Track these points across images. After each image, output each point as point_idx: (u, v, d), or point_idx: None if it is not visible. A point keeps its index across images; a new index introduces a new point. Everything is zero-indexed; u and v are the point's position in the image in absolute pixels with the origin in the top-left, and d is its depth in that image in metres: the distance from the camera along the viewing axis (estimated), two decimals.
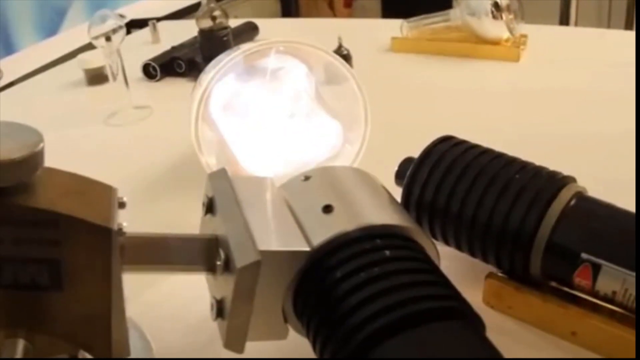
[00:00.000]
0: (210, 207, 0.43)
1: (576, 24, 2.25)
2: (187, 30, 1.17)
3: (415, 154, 0.51)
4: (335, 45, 0.96)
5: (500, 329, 0.38)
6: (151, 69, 1.08)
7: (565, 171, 0.47)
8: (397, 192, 0.49)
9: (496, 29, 1.00)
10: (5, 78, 1.19)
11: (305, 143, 0.67)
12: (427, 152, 0.50)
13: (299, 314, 0.39)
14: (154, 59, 1.09)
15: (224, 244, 0.38)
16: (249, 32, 1.24)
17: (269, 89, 0.66)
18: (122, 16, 0.92)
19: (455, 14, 1.05)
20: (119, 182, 0.40)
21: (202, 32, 1.05)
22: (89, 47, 1.01)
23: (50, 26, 1.65)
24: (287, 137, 0.66)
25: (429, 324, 0.33)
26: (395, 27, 1.12)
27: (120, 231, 0.37)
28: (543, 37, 1.07)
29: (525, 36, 1.04)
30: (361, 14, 2.99)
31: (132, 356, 0.39)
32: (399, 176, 0.51)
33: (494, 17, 0.98)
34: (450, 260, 0.45)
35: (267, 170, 0.62)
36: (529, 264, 0.45)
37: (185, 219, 0.47)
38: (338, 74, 0.66)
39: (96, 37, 0.86)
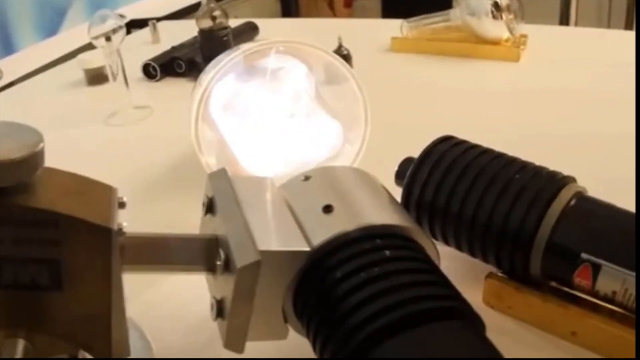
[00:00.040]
0: (210, 207, 0.43)
1: (576, 24, 2.25)
2: (187, 30, 1.17)
3: (415, 154, 0.51)
4: (335, 45, 0.96)
5: (500, 329, 0.38)
6: (151, 69, 1.08)
7: (565, 171, 0.47)
8: (397, 192, 0.49)
9: (496, 29, 1.00)
10: (5, 78, 1.19)
11: (305, 143, 0.67)
12: (427, 152, 0.50)
13: (299, 314, 0.39)
14: (154, 59, 1.09)
15: (224, 244, 0.38)
16: (249, 32, 1.23)
17: (269, 89, 0.66)
18: (122, 16, 0.92)
19: (455, 14, 1.05)
20: (119, 182, 0.40)
21: (202, 32, 1.05)
22: (89, 47, 1.01)
23: (50, 26, 1.65)
24: (287, 137, 0.66)
25: (429, 324, 0.33)
26: (395, 27, 1.12)
27: (120, 231, 0.37)
28: (543, 37, 1.07)
29: (525, 36, 1.04)
30: (361, 14, 2.99)
31: (132, 356, 0.39)
32: (399, 176, 0.51)
33: (494, 17, 0.98)
34: (450, 261, 0.45)
35: (267, 170, 0.62)
36: (529, 264, 0.45)
37: (185, 219, 0.47)
38: (338, 74, 0.66)
39: (96, 37, 0.86)
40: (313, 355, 0.37)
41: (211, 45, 1.02)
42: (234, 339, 0.38)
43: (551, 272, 0.44)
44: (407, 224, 0.40)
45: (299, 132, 0.67)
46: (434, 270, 0.38)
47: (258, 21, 1.27)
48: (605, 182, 0.48)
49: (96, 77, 1.08)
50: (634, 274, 0.40)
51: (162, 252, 0.40)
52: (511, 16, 1.00)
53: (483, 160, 0.48)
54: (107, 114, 0.93)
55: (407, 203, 0.50)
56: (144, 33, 1.35)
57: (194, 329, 0.48)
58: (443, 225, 0.48)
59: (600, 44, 1.09)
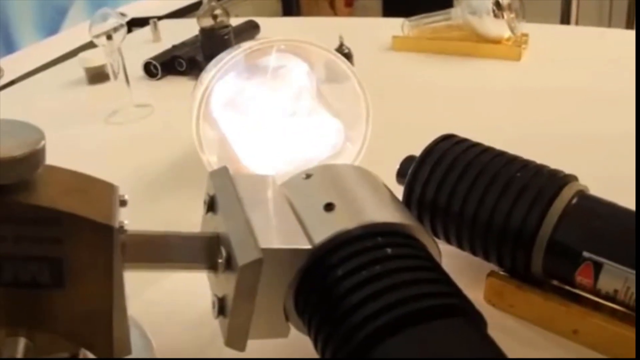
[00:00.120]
0: (211, 206, 0.43)
1: (577, 23, 2.25)
2: (188, 29, 1.17)
3: (417, 152, 0.51)
4: (336, 44, 0.96)
5: (501, 327, 0.38)
6: (152, 68, 1.08)
7: (567, 170, 0.47)
8: (399, 191, 0.49)
9: (497, 27, 1.00)
10: (6, 77, 1.19)
11: (307, 141, 0.67)
12: (429, 150, 0.50)
13: (300, 312, 0.39)
14: (155, 58, 1.09)
15: (225, 242, 0.38)
16: (250, 30, 1.23)
17: (270, 88, 0.66)
18: (123, 15, 0.92)
19: (456, 13, 1.05)
20: (120, 180, 0.40)
21: (203, 30, 1.05)
22: (90, 45, 1.01)
23: (51, 25, 1.65)
24: (288, 135, 0.66)
25: (430, 321, 0.33)
26: (396, 25, 1.12)
27: (121, 229, 0.37)
28: (544, 36, 1.07)
29: (526, 35, 1.04)
30: (362, 13, 2.99)
31: (133, 354, 0.39)
32: (401, 174, 0.51)
33: (495, 16, 0.98)
34: (452, 259, 0.45)
35: (269, 169, 0.62)
36: (530, 263, 0.45)
37: (187, 217, 0.47)
38: (339, 73, 0.66)
39: (97, 36, 0.86)
40: (314, 354, 0.37)
41: (212, 44, 1.02)
42: (236, 337, 0.38)
43: (553, 271, 0.44)
44: (408, 221, 0.40)
45: (300, 130, 0.67)
46: (436, 268, 0.38)
47: (259, 20, 1.27)
48: (606, 180, 0.48)
49: (97, 76, 1.08)
50: (635, 272, 0.40)
51: (163, 250, 0.40)
52: (512, 15, 1.00)
53: (484, 158, 0.48)
54: (108, 113, 0.93)
55: (408, 201, 0.50)
56: (145, 32, 1.35)
57: (195, 327, 0.48)
58: (444, 224, 0.48)
59: (601, 43, 1.09)
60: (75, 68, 1.11)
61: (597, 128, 0.76)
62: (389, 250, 0.37)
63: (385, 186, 0.45)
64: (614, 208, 0.44)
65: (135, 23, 1.42)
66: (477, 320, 0.35)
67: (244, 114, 0.66)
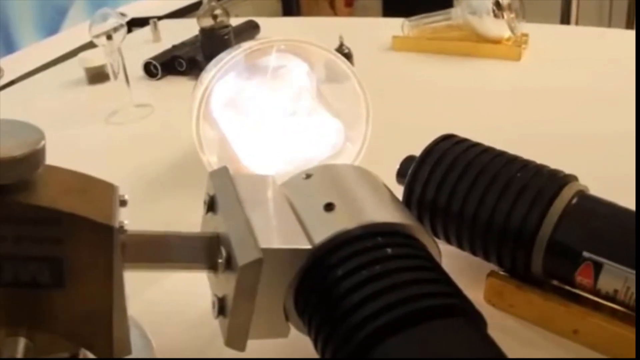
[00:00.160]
0: (211, 206, 0.43)
1: (577, 23, 2.25)
2: (188, 29, 1.17)
3: (417, 152, 0.51)
4: (336, 44, 0.96)
5: (501, 327, 0.38)
6: (152, 68, 1.08)
7: (567, 170, 0.47)
8: (399, 191, 0.49)
9: (497, 27, 1.00)
10: (6, 77, 1.19)
11: (307, 141, 0.67)
12: (429, 150, 0.50)
13: (300, 312, 0.39)
14: (155, 58, 1.09)
15: (225, 242, 0.38)
16: (250, 30, 1.23)
17: (270, 88, 0.66)
18: (123, 15, 0.92)
19: (456, 13, 1.05)
20: (120, 180, 0.40)
21: (203, 30, 1.05)
22: (90, 45, 1.01)
23: (51, 25, 1.65)
24: (288, 135, 0.66)
25: (430, 321, 0.33)
26: (396, 25, 1.12)
27: (121, 229, 0.37)
28: (544, 36, 1.07)
29: (526, 35, 1.04)
30: (362, 13, 2.99)
31: (133, 354, 0.39)
32: (401, 174, 0.51)
33: (495, 16, 0.98)
34: (452, 259, 0.45)
35: (269, 169, 0.62)
36: (530, 263, 0.45)
37: (187, 217, 0.47)
38: (339, 73, 0.66)
39: (97, 36, 0.86)
40: (315, 354, 0.37)
41: (212, 43, 1.02)
42: (236, 337, 0.38)
43: (553, 271, 0.44)
44: (408, 221, 0.40)
45: (300, 130, 0.67)
46: (436, 267, 0.38)
47: (259, 20, 1.27)
48: (606, 180, 0.48)
49: (97, 76, 1.08)
50: (635, 272, 0.40)
51: (163, 250, 0.40)
52: (512, 15, 1.00)
53: (484, 158, 0.48)
54: (108, 113, 0.93)
55: (408, 201, 0.50)
56: (145, 32, 1.35)
57: (195, 327, 0.48)
58: (444, 224, 0.48)
59: (601, 43, 1.09)
60: (75, 68, 1.11)
61: (597, 128, 0.76)
62: (389, 250, 0.37)
63: (385, 186, 0.45)
64: (614, 208, 0.44)
65: (135, 23, 1.42)
66: (477, 320, 0.35)
67: (244, 114, 0.66)
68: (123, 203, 0.38)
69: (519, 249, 0.44)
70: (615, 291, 0.41)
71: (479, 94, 0.90)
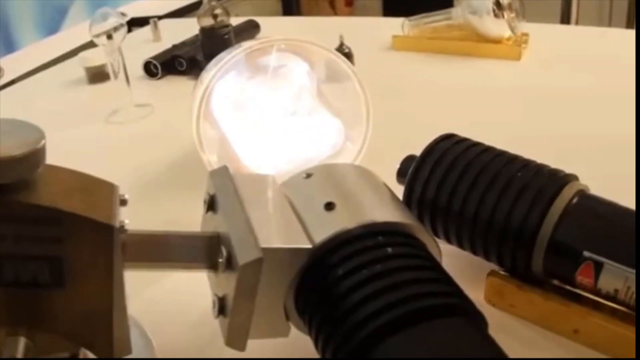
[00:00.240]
0: (211, 205, 0.43)
1: (577, 23, 2.25)
2: (188, 29, 1.17)
3: (417, 151, 0.50)
4: (336, 44, 0.96)
5: (501, 327, 0.38)
6: (152, 67, 1.08)
7: (567, 169, 0.47)
8: (399, 190, 0.49)
9: (498, 27, 1.00)
10: (6, 76, 1.19)
11: (307, 141, 0.67)
12: (429, 150, 0.50)
13: (300, 312, 0.39)
14: (155, 57, 1.09)
15: (225, 241, 0.38)
16: (250, 30, 1.23)
17: (271, 87, 0.66)
18: (123, 14, 0.92)
19: (456, 13, 1.05)
20: (120, 180, 0.40)
21: (203, 30, 1.05)
22: (90, 45, 1.01)
23: (52, 24, 1.65)
24: (288, 135, 0.66)
25: (431, 321, 0.33)
26: (396, 25, 1.12)
27: (122, 228, 0.37)
28: (544, 35, 1.07)
29: (526, 35, 1.04)
30: (362, 13, 2.99)
31: (133, 354, 0.39)
32: (401, 174, 0.51)
33: (496, 15, 0.98)
34: (452, 259, 0.45)
35: (269, 168, 0.62)
36: (530, 262, 0.45)
37: (187, 217, 0.47)
38: (340, 72, 0.66)
39: (97, 35, 0.86)
40: (315, 354, 0.37)
41: (212, 43, 1.02)
42: (236, 337, 0.38)
43: (553, 270, 0.44)
44: (409, 221, 0.40)
45: (300, 130, 0.67)
46: (436, 267, 0.38)
47: (259, 19, 1.27)
48: (606, 180, 0.48)
49: (97, 75, 1.08)
50: (635, 272, 0.40)
51: (163, 250, 0.40)
52: (512, 15, 1.00)
53: (485, 158, 0.48)
54: (108, 112, 0.93)
55: (408, 201, 0.50)
56: (145, 31, 1.35)
57: (196, 326, 0.48)
58: (445, 223, 0.48)
59: (601, 43, 1.09)
60: (75, 67, 1.11)
61: (598, 127, 0.76)
62: (389, 249, 0.37)
63: (386, 185, 0.45)
64: (615, 208, 0.44)
65: (136, 23, 1.42)
66: (477, 320, 0.35)
67: (245, 114, 0.66)
68: (123, 202, 0.38)
69: (519, 249, 0.44)
70: (616, 291, 0.41)
71: (479, 94, 0.90)
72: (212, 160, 0.64)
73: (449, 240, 0.49)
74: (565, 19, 2.25)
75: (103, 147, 0.85)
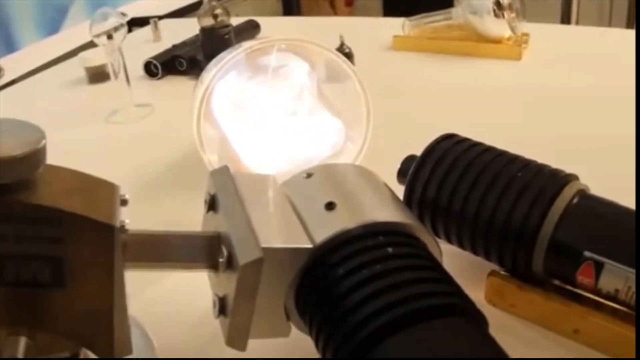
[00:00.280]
0: (212, 205, 0.43)
1: (577, 23, 2.25)
2: (188, 29, 1.17)
3: (418, 151, 0.50)
4: (337, 44, 0.96)
5: (502, 327, 0.38)
6: (152, 67, 1.08)
7: (567, 169, 0.47)
8: (399, 190, 0.49)
9: (498, 27, 1.00)
10: (6, 76, 1.19)
11: (307, 141, 0.67)
12: (430, 149, 0.50)
13: (301, 312, 0.39)
14: (156, 57, 1.09)
15: (226, 241, 0.38)
16: (250, 30, 1.23)
17: (271, 87, 0.66)
18: (123, 14, 0.92)
19: (457, 13, 1.05)
20: (120, 180, 0.40)
21: (203, 30, 1.05)
22: (91, 45, 1.01)
23: (52, 24, 1.65)
24: (289, 134, 0.66)
25: (431, 321, 0.33)
26: (396, 25, 1.12)
27: (122, 228, 0.37)
28: (545, 35, 1.07)
29: (527, 35, 1.04)
30: (362, 13, 2.99)
31: (133, 354, 0.39)
32: (401, 174, 0.51)
33: (496, 15, 0.98)
34: (453, 259, 0.45)
35: (269, 168, 0.62)
36: (531, 262, 0.44)
37: (187, 217, 0.47)
38: (340, 72, 0.66)
39: (98, 35, 0.86)
40: (315, 354, 0.37)
41: (212, 43, 1.02)
42: (236, 337, 0.38)
43: (554, 270, 0.44)
44: (409, 221, 0.40)
45: (300, 130, 0.67)
46: (437, 267, 0.38)
47: (259, 19, 1.27)
48: (607, 180, 0.48)
49: (97, 75, 1.08)
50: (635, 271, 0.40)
51: (164, 250, 0.40)
52: (513, 15, 1.00)
53: (485, 158, 0.48)
54: (109, 112, 0.93)
55: (409, 201, 0.50)
56: (146, 31, 1.35)
57: (196, 326, 0.48)
58: (445, 223, 0.48)
59: (602, 43, 1.09)
60: (75, 67, 1.11)
61: (598, 127, 0.76)
62: (389, 249, 0.37)
63: (386, 185, 0.45)
64: (615, 207, 0.44)
65: (136, 23, 1.42)
66: (478, 320, 0.35)
67: (245, 114, 0.66)
68: (124, 202, 0.38)
69: (520, 249, 0.44)
70: (616, 291, 0.41)
71: (479, 94, 0.90)
72: (212, 160, 0.64)
73: (449, 240, 0.49)
74: (565, 19, 2.25)
75: (103, 147, 0.85)
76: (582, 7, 2.26)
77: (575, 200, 0.44)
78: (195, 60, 1.06)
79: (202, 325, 0.48)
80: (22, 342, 0.35)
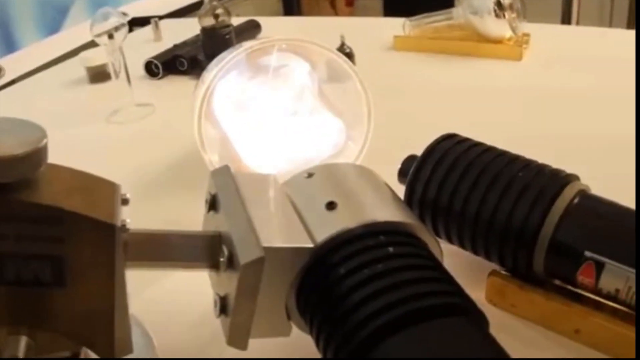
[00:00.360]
0: (213, 204, 0.43)
1: (578, 23, 2.25)
2: (189, 29, 1.17)
3: (418, 151, 0.51)
4: (337, 44, 0.96)
5: (503, 327, 0.38)
6: (153, 67, 1.08)
7: (568, 169, 0.47)
8: (400, 190, 0.49)
9: (499, 27, 1.00)
10: (7, 76, 1.19)
11: (308, 141, 0.67)
12: (430, 149, 0.50)
13: (302, 311, 0.39)
14: (157, 57, 1.09)
15: (227, 240, 0.38)
16: (251, 30, 1.24)
17: (272, 87, 0.66)
18: (124, 14, 0.92)
19: (457, 13, 1.05)
20: (121, 179, 0.40)
21: (204, 30, 1.05)
22: (91, 44, 1.01)
23: (52, 24, 1.65)
24: (289, 134, 0.66)
25: (432, 320, 0.33)
26: (397, 25, 1.12)
27: (123, 228, 0.37)
28: (545, 36, 1.07)
29: (527, 35, 1.04)
30: (362, 13, 3.00)
31: (134, 353, 0.39)
32: (402, 174, 0.51)
33: (497, 15, 0.98)
34: (453, 258, 0.45)
35: (270, 168, 0.62)
36: (532, 262, 0.45)
37: (188, 216, 0.47)
38: (341, 72, 0.66)
39: (98, 35, 0.86)
40: (316, 353, 0.37)
41: (213, 43, 1.02)
42: (237, 336, 0.38)
43: (554, 270, 0.44)
44: (410, 220, 0.40)
45: (301, 129, 0.67)
46: (437, 266, 0.38)
47: (260, 19, 1.27)
48: (607, 180, 0.48)
49: (98, 75, 1.08)
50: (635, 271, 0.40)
51: (165, 249, 0.40)
52: (514, 15, 1.00)
53: (486, 158, 0.48)
54: (109, 112, 0.93)
55: (410, 201, 0.50)
56: (146, 31, 1.35)
57: (197, 326, 0.48)
58: (446, 223, 0.48)
59: (602, 43, 1.09)
60: (76, 67, 1.11)
61: (598, 128, 0.76)
62: (390, 249, 0.37)
63: (387, 185, 0.45)
64: (616, 207, 0.44)
65: (137, 22, 1.42)
66: (479, 320, 0.35)
67: (246, 113, 0.66)
68: (125, 202, 0.38)
69: (520, 249, 0.44)
70: (617, 290, 0.41)
71: (480, 94, 0.90)
72: (213, 159, 0.64)
73: (450, 240, 0.49)
74: (566, 19, 2.25)
75: (104, 147, 0.85)
76: (583, 8, 2.26)
77: (575, 201, 0.44)
78: (196, 60, 1.06)
79: (202, 325, 0.48)
80: (23, 341, 0.35)
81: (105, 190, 0.37)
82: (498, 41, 1.02)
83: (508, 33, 1.01)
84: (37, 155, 0.33)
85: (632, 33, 1.09)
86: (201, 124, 0.63)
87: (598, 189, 0.46)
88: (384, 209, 0.41)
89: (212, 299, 0.40)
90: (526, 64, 1.00)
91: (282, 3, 2.70)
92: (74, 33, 1.46)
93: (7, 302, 0.35)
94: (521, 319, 0.47)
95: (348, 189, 0.43)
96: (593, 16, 2.49)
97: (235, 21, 1.12)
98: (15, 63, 1.30)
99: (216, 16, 1.04)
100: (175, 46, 1.14)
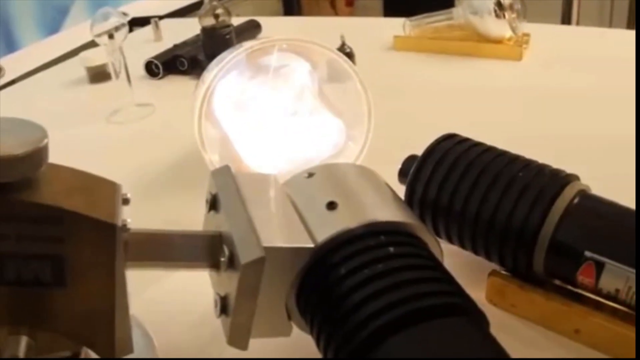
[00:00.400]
0: (213, 204, 0.43)
1: (578, 23, 2.25)
2: (189, 29, 1.17)
3: (418, 151, 0.51)
4: (337, 44, 0.96)
5: (503, 326, 0.38)
6: (154, 67, 1.08)
7: (568, 169, 0.47)
8: (400, 190, 0.49)
9: (499, 27, 1.00)
10: (7, 76, 1.19)
11: (308, 141, 0.67)
12: (431, 149, 0.50)
13: (302, 311, 0.39)
14: (157, 57, 1.09)
15: (227, 240, 0.38)
16: (251, 30, 1.24)
17: (272, 87, 0.66)
18: (124, 14, 0.92)
19: (457, 13, 1.05)
20: (121, 179, 0.40)
21: (204, 30, 1.05)
22: (92, 44, 1.01)
23: (53, 24, 1.65)
24: (290, 134, 0.66)
25: (432, 320, 0.33)
26: (397, 25, 1.12)
27: (124, 227, 0.37)
28: (545, 36, 1.07)
29: (527, 35, 1.04)
30: (362, 13, 2.99)
31: (134, 353, 0.39)
32: (402, 174, 0.51)
33: (497, 15, 0.98)
34: (453, 258, 0.45)
35: (271, 168, 0.62)
36: (532, 262, 0.45)
37: (189, 216, 0.47)
38: (341, 72, 0.66)
39: (99, 35, 0.86)
40: (317, 353, 0.37)
41: (214, 43, 1.02)
42: (238, 336, 0.38)
43: (554, 270, 0.44)
44: (410, 220, 0.40)
45: (302, 129, 0.67)
46: (438, 266, 0.38)
47: (260, 19, 1.27)
48: (607, 180, 0.48)
49: (98, 75, 1.08)
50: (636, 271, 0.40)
51: (165, 249, 0.40)
52: (514, 15, 1.00)
53: (486, 158, 0.48)
54: (110, 112, 0.93)
55: (410, 201, 0.50)
56: (147, 31, 1.35)
57: (197, 326, 0.48)
58: (446, 223, 0.48)
59: (602, 43, 1.09)
60: (76, 67, 1.11)
61: (599, 128, 0.76)
62: (391, 249, 0.37)
63: (387, 185, 0.45)
64: (616, 207, 0.44)
65: (137, 22, 1.42)
66: (479, 320, 0.35)
67: (246, 113, 0.66)
68: (126, 201, 0.38)
69: (520, 249, 0.44)
70: (617, 290, 0.41)
71: (480, 94, 0.90)
72: (213, 159, 0.64)
73: (450, 240, 0.49)
74: (566, 20, 2.25)
75: (104, 146, 0.85)
76: (583, 8, 2.26)
77: (576, 201, 0.44)
78: (196, 60, 1.06)
79: (203, 325, 0.48)
80: (23, 341, 0.35)
81: (105, 190, 0.37)
82: (498, 41, 1.02)
83: (508, 33, 1.01)
84: (38, 155, 0.33)
85: (632, 33, 1.10)
86: (201, 123, 0.63)
87: (598, 189, 0.46)
88: (385, 209, 0.41)
89: (213, 299, 0.40)
90: (526, 64, 1.00)
91: (282, 3, 2.70)
92: (74, 33, 1.46)
93: (7, 302, 0.35)
94: (521, 319, 0.47)
95: (348, 189, 0.43)
96: (593, 16, 2.49)
97: (236, 21, 1.12)
98: (15, 63, 1.30)
99: (216, 16, 1.04)
100: (176, 46, 1.14)
